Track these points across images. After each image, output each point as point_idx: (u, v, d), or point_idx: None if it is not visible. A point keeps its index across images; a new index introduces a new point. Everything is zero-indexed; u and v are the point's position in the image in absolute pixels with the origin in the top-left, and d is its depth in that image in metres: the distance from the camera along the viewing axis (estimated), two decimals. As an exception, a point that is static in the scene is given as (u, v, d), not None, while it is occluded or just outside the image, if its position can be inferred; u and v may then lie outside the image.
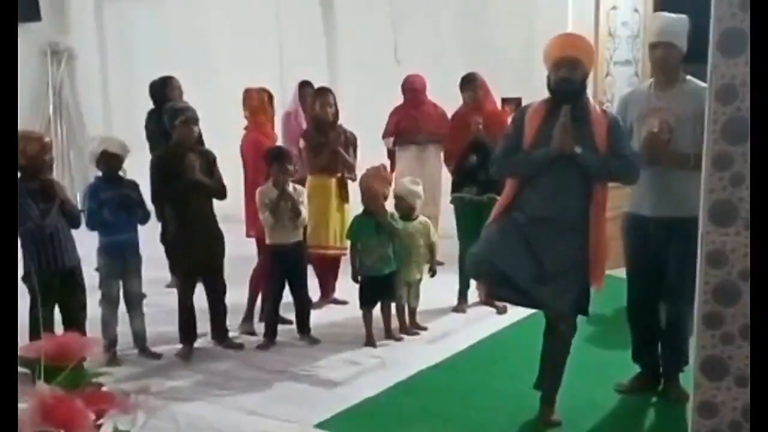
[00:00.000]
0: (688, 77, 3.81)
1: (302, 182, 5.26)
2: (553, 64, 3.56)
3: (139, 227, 4.68)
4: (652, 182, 3.80)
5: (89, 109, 10.13)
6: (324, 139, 5.38)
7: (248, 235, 5.25)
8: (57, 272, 4.24)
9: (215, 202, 4.73)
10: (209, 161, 4.72)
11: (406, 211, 5.00)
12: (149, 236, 4.92)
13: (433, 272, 5.08)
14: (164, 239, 5.95)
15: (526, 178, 3.61)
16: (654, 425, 3.82)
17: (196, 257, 4.66)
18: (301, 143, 5.53)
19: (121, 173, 4.69)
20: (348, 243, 5.13)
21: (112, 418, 1.17)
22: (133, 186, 4.64)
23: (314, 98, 5.47)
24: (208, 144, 5.22)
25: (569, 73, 3.53)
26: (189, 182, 4.54)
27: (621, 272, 4.14)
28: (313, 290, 5.19)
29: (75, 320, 4.24)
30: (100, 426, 1.15)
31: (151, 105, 6.29)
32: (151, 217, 4.69)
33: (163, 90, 6.10)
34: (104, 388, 1.19)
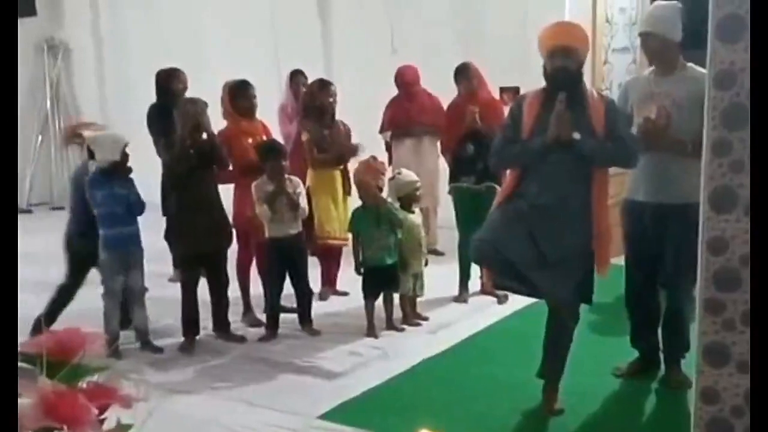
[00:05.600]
0: (689, 64, 3.78)
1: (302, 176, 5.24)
2: (548, 53, 3.55)
3: (140, 223, 4.66)
4: (648, 168, 3.80)
5: (86, 103, 10.10)
6: (326, 132, 5.38)
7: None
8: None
9: None
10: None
11: (416, 202, 5.01)
12: (151, 230, 4.90)
13: (425, 261, 5.10)
14: (168, 236, 5.89)
15: (526, 166, 3.61)
16: (656, 412, 3.82)
17: (200, 243, 4.63)
18: (304, 136, 5.50)
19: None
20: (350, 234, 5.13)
21: (115, 413, 1.17)
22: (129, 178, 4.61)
23: (319, 90, 5.43)
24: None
25: (564, 62, 3.52)
26: (208, 136, 4.58)
27: (623, 260, 4.13)
28: (313, 281, 5.17)
29: None
30: (103, 421, 1.14)
31: (151, 96, 6.21)
32: (146, 209, 4.68)
33: (166, 84, 5.91)
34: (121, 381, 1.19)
